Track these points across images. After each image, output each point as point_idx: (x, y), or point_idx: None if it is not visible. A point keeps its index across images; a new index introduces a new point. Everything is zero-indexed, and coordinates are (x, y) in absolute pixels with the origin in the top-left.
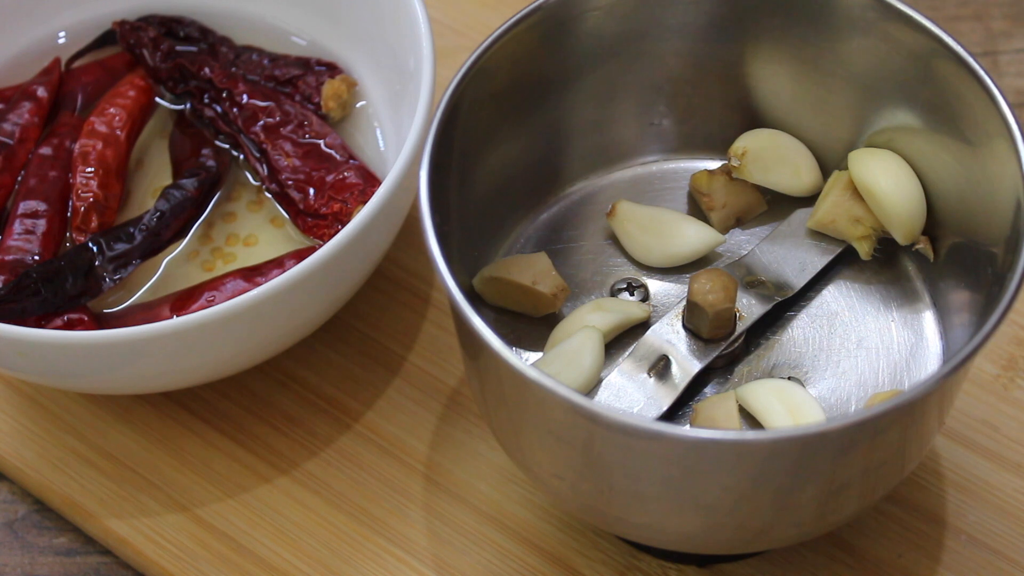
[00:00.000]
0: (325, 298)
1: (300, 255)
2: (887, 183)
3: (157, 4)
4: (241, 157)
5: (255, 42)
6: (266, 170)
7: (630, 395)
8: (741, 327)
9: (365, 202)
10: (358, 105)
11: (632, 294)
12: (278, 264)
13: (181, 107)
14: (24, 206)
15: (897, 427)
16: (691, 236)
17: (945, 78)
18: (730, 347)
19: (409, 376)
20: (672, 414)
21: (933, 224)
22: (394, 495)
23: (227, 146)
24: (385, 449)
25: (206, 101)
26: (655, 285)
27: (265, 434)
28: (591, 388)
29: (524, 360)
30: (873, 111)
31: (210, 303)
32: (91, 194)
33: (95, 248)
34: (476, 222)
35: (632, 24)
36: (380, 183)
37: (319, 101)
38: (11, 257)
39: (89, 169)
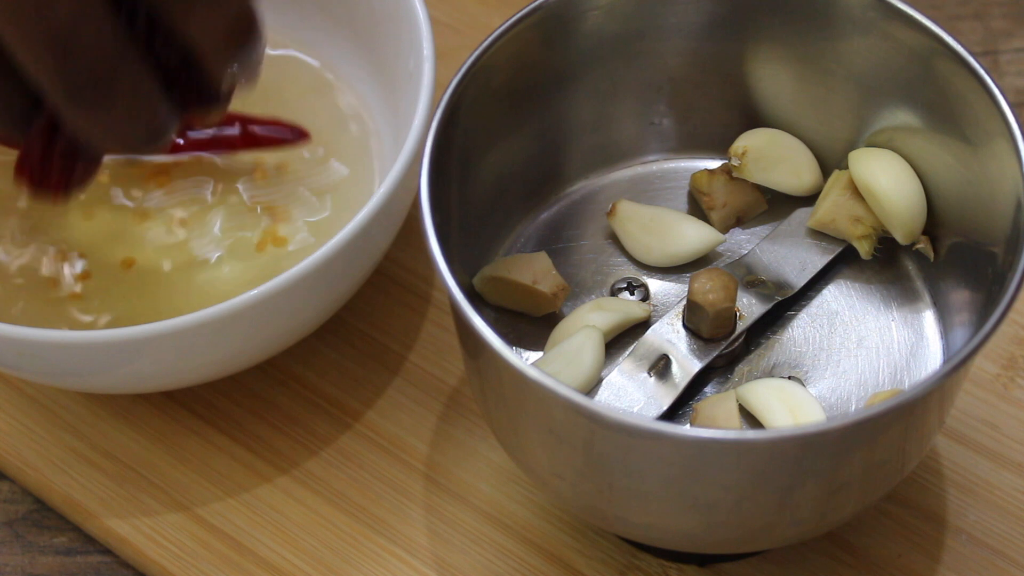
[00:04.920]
0: (325, 298)
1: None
2: (887, 183)
3: None
4: None
5: None
6: None
7: (630, 395)
8: (741, 326)
9: None
10: (358, 105)
11: (632, 294)
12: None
13: None
14: None
15: (897, 427)
16: (691, 236)
17: (945, 77)
18: (730, 346)
19: (409, 375)
20: (672, 414)
21: (933, 224)
22: (394, 494)
23: None
24: (385, 448)
25: None
26: (655, 285)
27: (265, 433)
28: (591, 388)
29: (524, 360)
30: (873, 111)
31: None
32: None
33: None
34: (476, 222)
35: (632, 24)
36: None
37: None
38: None
39: None
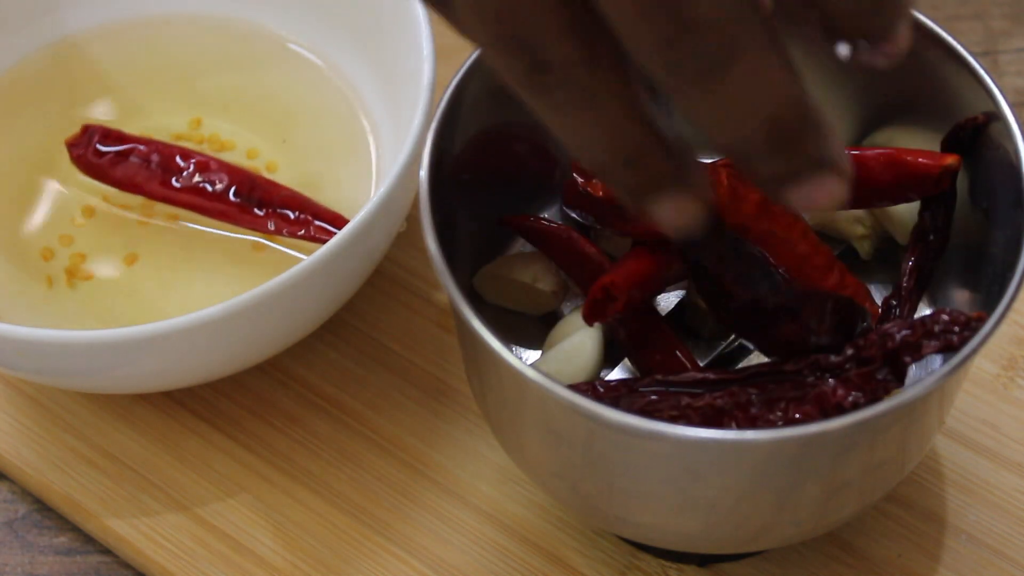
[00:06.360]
0: (325, 298)
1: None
2: None
3: (154, 8)
4: None
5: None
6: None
7: None
8: None
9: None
10: (358, 105)
11: None
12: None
13: None
14: None
15: (897, 427)
16: None
17: (945, 78)
18: (730, 346)
19: (409, 375)
20: None
21: None
22: (394, 494)
23: None
24: (385, 448)
25: None
26: None
27: (265, 433)
28: None
29: (524, 359)
30: (873, 111)
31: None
32: None
33: None
34: (476, 222)
35: None
36: None
37: None
38: None
39: None
